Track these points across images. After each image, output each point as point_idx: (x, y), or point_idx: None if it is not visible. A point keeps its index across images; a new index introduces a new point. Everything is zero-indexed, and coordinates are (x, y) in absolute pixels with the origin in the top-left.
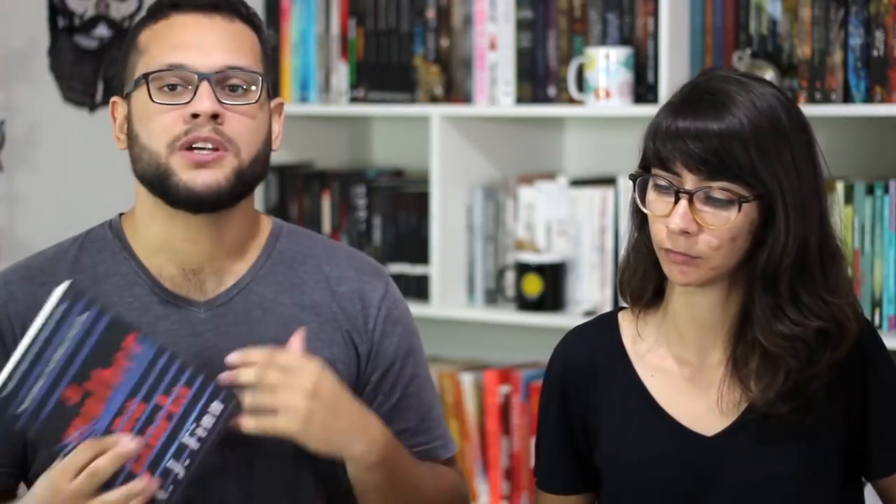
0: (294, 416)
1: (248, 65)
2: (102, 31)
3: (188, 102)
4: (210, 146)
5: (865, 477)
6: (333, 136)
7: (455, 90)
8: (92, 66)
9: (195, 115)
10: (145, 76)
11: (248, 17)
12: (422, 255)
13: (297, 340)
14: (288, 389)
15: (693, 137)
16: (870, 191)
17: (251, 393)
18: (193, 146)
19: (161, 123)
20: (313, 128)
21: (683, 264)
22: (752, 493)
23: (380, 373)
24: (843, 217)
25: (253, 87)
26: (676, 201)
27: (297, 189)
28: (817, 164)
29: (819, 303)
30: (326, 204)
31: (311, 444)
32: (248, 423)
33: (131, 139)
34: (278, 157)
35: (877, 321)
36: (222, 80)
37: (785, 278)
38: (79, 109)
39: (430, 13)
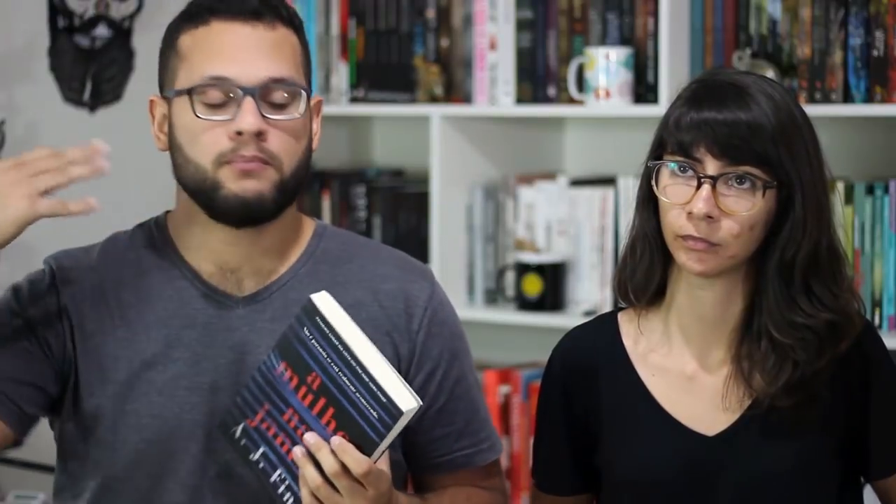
0: None
1: (291, 76)
2: (102, 31)
3: (232, 119)
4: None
5: (864, 478)
6: (333, 136)
7: (455, 90)
8: (92, 66)
9: (239, 133)
10: (189, 92)
11: (289, 19)
12: (422, 255)
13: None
14: (358, 498)
15: (721, 125)
16: (870, 191)
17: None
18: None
19: (206, 140)
20: None
21: (703, 251)
22: (753, 491)
23: (424, 375)
24: (843, 217)
25: (296, 100)
26: (699, 187)
27: None
28: (823, 161)
29: (829, 295)
30: (326, 204)
31: None
32: None
33: (173, 145)
34: None
35: (877, 321)
36: (266, 95)
37: (800, 269)
38: (79, 109)
39: (430, 13)
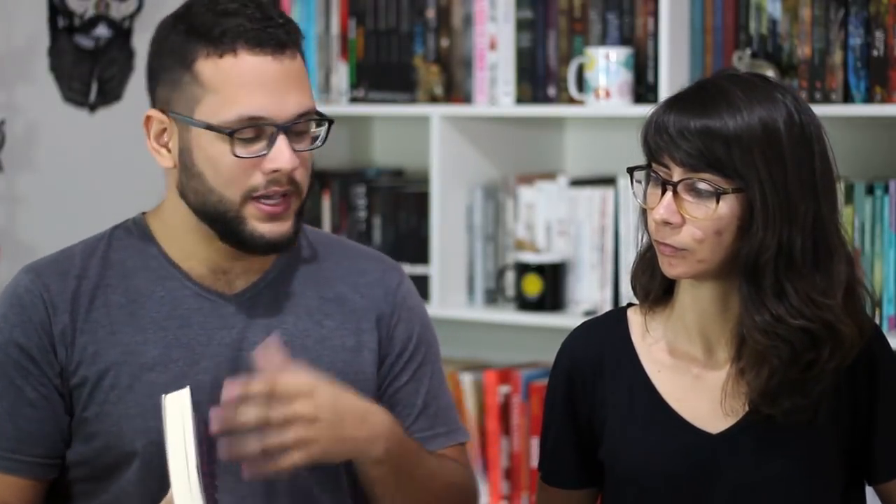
0: (306, 447)
1: (314, 106)
2: (102, 31)
3: (265, 155)
4: (282, 195)
5: (868, 481)
6: (333, 136)
7: (455, 90)
8: (92, 66)
9: (275, 170)
10: (230, 133)
11: (300, 43)
12: (422, 255)
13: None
14: (291, 425)
15: (676, 132)
16: (870, 191)
17: (258, 437)
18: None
19: (239, 175)
20: None
21: (671, 256)
22: (754, 491)
23: (394, 355)
24: (843, 217)
25: (318, 129)
26: (663, 193)
27: None
28: (815, 166)
29: (806, 302)
30: (326, 204)
31: (329, 459)
32: (272, 466)
33: (189, 170)
34: None
35: (876, 321)
36: (296, 129)
37: (768, 272)
38: (79, 109)
39: (430, 13)
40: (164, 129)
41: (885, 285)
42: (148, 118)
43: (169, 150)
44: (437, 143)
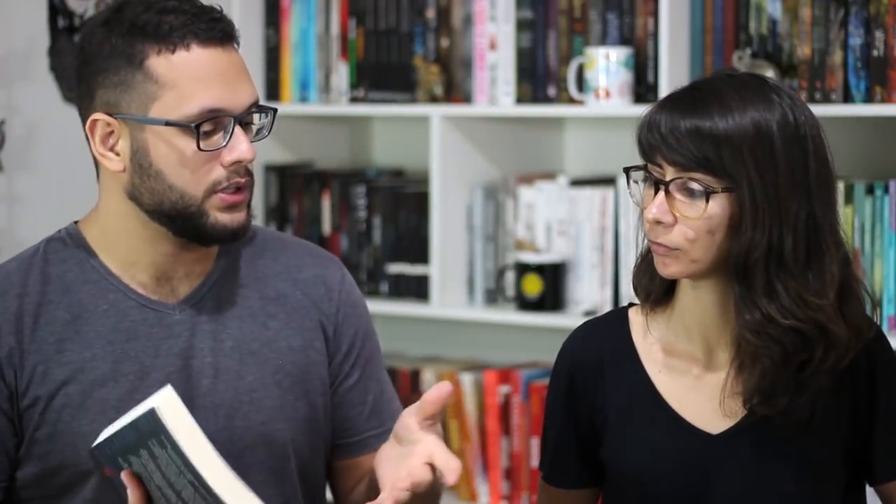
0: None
1: (258, 96)
2: None
3: (224, 147)
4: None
5: (868, 482)
6: (333, 136)
7: (455, 90)
8: None
9: (239, 161)
10: (196, 126)
11: (238, 37)
12: (422, 255)
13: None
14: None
15: (667, 131)
16: (870, 191)
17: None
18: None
19: (202, 170)
20: (313, 128)
21: (665, 256)
22: (754, 492)
23: (342, 353)
24: (843, 217)
25: (265, 119)
26: (656, 192)
27: (297, 189)
28: (809, 167)
29: (797, 302)
30: (326, 204)
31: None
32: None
33: (144, 170)
34: (278, 157)
35: (876, 321)
36: (246, 120)
37: (758, 271)
38: None
39: (430, 13)
40: (111, 133)
41: (885, 285)
42: (93, 122)
43: (117, 154)
44: (437, 143)
